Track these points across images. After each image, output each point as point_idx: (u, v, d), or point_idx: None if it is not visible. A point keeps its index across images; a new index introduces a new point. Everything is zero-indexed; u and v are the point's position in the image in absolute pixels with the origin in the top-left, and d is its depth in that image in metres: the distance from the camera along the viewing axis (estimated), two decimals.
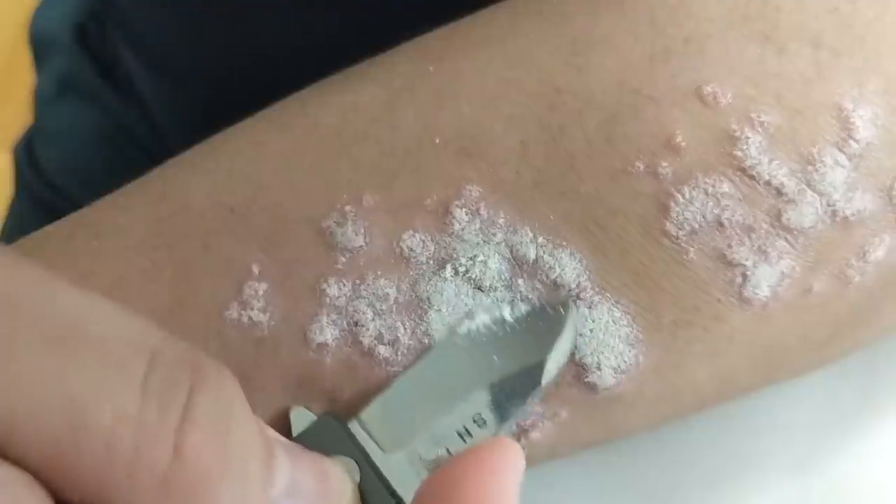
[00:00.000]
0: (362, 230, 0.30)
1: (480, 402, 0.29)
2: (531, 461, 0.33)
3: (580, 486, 0.39)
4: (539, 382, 0.29)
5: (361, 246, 0.30)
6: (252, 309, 0.30)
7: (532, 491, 0.39)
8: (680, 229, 0.29)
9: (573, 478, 0.39)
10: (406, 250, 0.30)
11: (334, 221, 0.30)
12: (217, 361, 0.23)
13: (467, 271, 0.29)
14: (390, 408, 0.29)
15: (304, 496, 0.25)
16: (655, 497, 0.39)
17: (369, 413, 0.29)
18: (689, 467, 0.40)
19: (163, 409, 0.22)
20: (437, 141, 0.30)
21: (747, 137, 0.29)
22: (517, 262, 0.30)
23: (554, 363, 0.29)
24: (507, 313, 0.30)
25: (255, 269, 0.30)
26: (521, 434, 0.31)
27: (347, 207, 0.30)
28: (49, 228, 0.32)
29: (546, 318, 0.29)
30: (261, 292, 0.30)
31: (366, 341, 0.30)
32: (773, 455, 0.40)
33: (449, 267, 0.29)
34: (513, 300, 0.30)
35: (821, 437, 0.40)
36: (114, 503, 0.22)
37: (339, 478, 0.27)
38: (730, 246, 0.29)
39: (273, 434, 0.26)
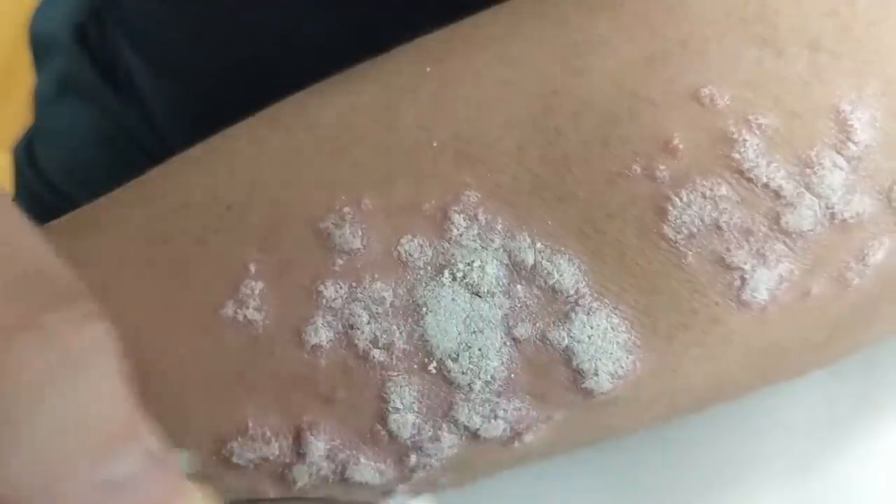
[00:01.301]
0: (360, 233, 0.30)
1: None
2: (525, 462, 0.33)
3: (580, 486, 0.39)
4: None
5: (359, 249, 0.30)
6: (247, 307, 0.30)
7: (532, 490, 0.39)
8: (678, 233, 0.29)
9: (573, 477, 0.39)
10: (404, 254, 0.29)
11: (332, 223, 0.30)
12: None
13: (465, 277, 0.29)
14: None
15: None
16: (655, 497, 0.40)
17: None
18: (689, 468, 0.40)
19: None
20: (435, 144, 0.30)
21: (745, 140, 0.29)
22: (515, 268, 0.29)
23: None
24: None
25: (252, 268, 0.30)
26: (514, 436, 0.31)
27: (346, 209, 0.30)
28: (48, 224, 0.32)
29: None
30: (257, 291, 0.30)
31: (360, 344, 0.30)
32: (772, 456, 0.40)
33: (447, 272, 0.29)
34: None
35: (821, 437, 0.40)
36: None
37: None
38: (728, 249, 0.29)
39: None
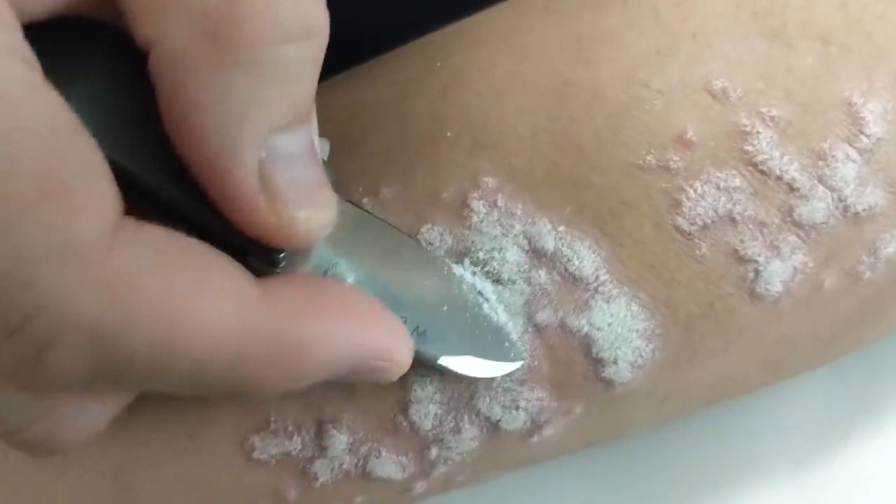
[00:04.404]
0: None
1: None
2: (543, 457, 0.33)
3: (580, 487, 0.39)
4: None
5: None
6: None
7: (532, 491, 0.39)
8: (692, 224, 0.29)
9: (573, 478, 0.39)
10: (424, 243, 0.29)
11: None
12: None
13: (485, 264, 0.29)
14: None
15: None
16: (655, 497, 0.39)
17: None
18: (689, 468, 0.39)
19: None
20: (449, 134, 0.30)
21: (758, 132, 0.29)
22: (535, 254, 0.29)
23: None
24: None
25: None
26: (535, 429, 0.30)
27: (365, 200, 0.30)
28: None
29: None
30: None
31: None
32: (773, 455, 0.40)
33: (467, 260, 0.29)
34: None
35: (821, 437, 0.40)
36: None
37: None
38: (742, 241, 0.29)
39: None
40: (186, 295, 0.22)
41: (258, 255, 0.25)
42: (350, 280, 0.28)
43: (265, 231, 0.24)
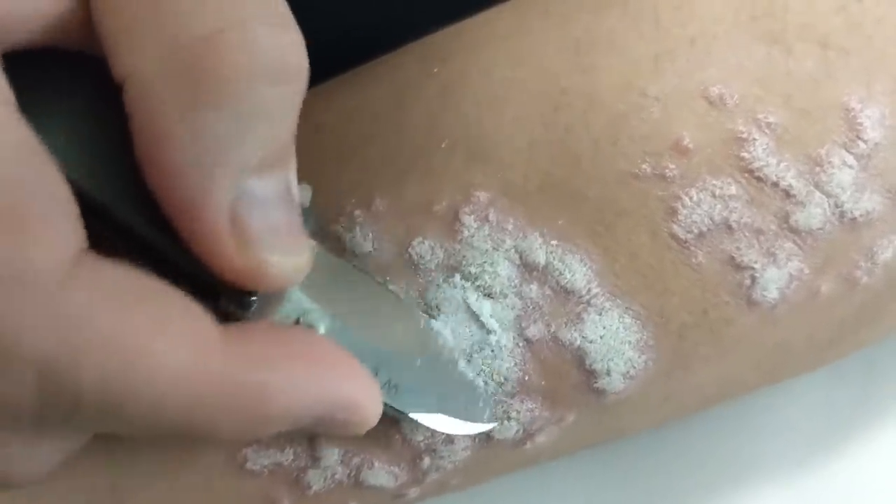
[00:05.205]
0: (370, 235, 0.29)
1: None
2: (535, 461, 0.33)
3: (580, 487, 0.39)
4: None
5: (370, 251, 0.29)
6: None
7: (532, 491, 0.39)
8: (688, 232, 0.29)
9: (573, 478, 0.39)
10: (415, 257, 0.29)
11: (342, 226, 0.30)
12: None
13: (477, 278, 0.29)
14: None
15: None
16: (656, 497, 0.39)
17: None
18: (689, 468, 0.39)
19: None
20: (444, 145, 0.30)
21: (755, 139, 0.29)
22: (527, 268, 0.29)
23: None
24: None
25: None
26: (527, 438, 0.30)
27: (357, 212, 0.30)
28: None
29: None
30: None
31: None
32: (773, 455, 0.40)
33: (458, 275, 0.29)
34: None
35: (820, 437, 0.40)
36: None
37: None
38: (738, 248, 0.29)
39: None
40: (141, 335, 0.22)
41: (229, 296, 0.24)
42: (322, 329, 0.27)
43: (234, 273, 0.23)
